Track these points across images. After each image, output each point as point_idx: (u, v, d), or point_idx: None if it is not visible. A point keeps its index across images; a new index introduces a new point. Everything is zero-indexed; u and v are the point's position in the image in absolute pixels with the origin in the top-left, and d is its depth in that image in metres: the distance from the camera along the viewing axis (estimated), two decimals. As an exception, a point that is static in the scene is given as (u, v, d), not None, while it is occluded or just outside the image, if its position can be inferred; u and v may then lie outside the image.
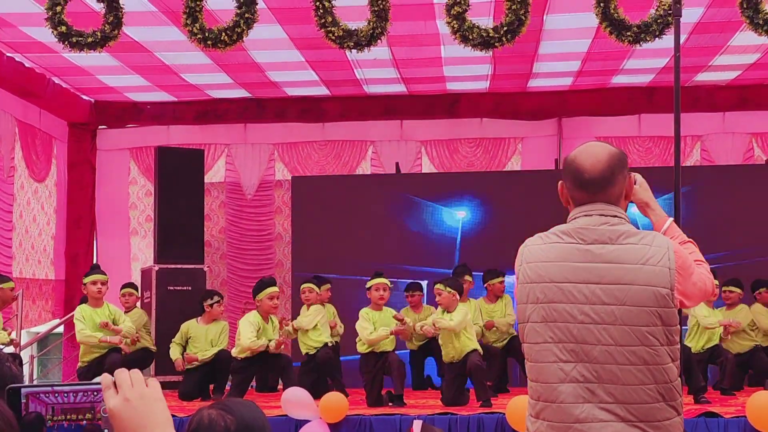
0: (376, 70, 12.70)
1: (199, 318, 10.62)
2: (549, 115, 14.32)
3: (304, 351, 10.66)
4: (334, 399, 8.46)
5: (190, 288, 12.07)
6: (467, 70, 12.77)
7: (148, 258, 13.97)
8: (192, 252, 12.65)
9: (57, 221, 14.31)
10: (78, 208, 14.59)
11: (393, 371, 9.47)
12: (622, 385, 3.17)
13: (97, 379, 1.76)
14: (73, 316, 12.77)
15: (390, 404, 9.27)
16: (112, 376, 1.73)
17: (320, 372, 10.35)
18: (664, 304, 3.20)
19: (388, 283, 10.16)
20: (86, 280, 10.46)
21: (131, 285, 11.52)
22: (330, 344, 10.64)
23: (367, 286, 10.21)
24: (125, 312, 11.11)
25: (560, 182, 3.46)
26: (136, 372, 1.77)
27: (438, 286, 9.73)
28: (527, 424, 3.38)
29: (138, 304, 11.61)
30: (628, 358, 3.17)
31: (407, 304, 11.80)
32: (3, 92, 12.54)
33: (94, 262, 14.42)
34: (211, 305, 10.55)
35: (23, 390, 1.74)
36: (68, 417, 1.78)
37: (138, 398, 1.72)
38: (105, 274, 10.50)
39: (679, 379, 3.27)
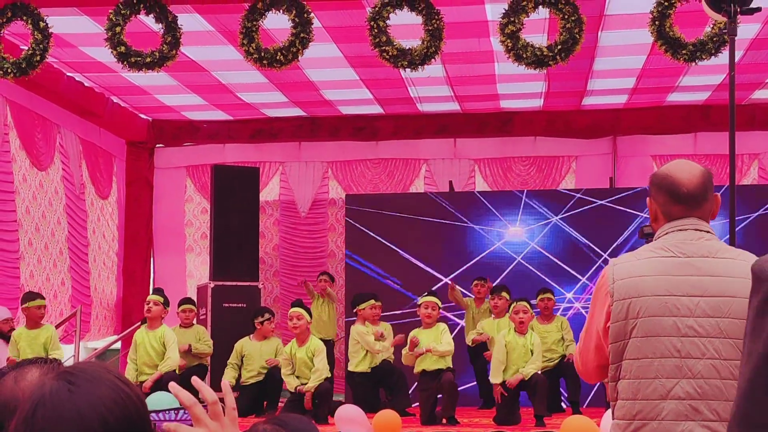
0: (429, 88, 12.74)
1: (251, 335, 10.68)
2: (603, 133, 14.25)
3: (360, 368, 10.62)
4: (387, 416, 8.47)
5: (244, 305, 12.15)
6: (521, 88, 12.76)
7: (203, 275, 14.10)
8: (247, 269, 12.73)
9: (120, 238, 14.57)
10: (135, 226, 14.78)
11: (444, 392, 9.45)
12: (726, 401, 3.11)
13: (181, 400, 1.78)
14: (131, 332, 12.96)
15: (444, 422, 9.26)
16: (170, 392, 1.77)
17: (375, 387, 10.34)
18: None
19: (438, 303, 10.13)
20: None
21: (189, 301, 11.63)
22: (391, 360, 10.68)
23: (417, 303, 10.22)
24: (183, 326, 11.21)
25: (648, 198, 3.42)
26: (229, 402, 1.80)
27: (525, 304, 9.70)
28: None
29: (195, 320, 11.70)
30: (732, 373, 3.12)
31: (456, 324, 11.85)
32: (65, 111, 12.78)
33: (151, 278, 14.64)
34: (262, 322, 10.61)
35: None
36: None
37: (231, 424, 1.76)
38: (158, 295, 10.60)
39: None
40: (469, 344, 11.22)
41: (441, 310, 10.21)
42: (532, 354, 9.57)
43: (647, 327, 3.22)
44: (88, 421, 1.53)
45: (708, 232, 3.30)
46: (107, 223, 14.19)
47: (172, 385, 1.77)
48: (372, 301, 10.78)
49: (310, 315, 10.37)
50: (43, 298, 10.52)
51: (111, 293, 14.26)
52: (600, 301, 3.36)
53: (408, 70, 9.72)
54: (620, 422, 3.27)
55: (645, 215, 11.58)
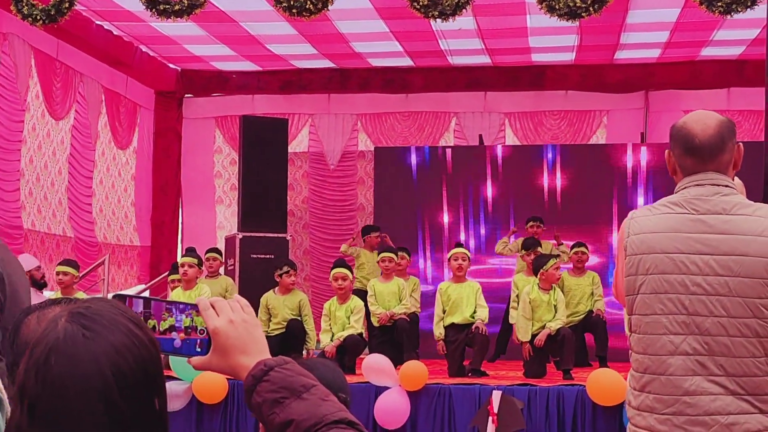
0: (460, 41, 12.61)
1: (275, 289, 10.66)
2: (636, 87, 14.12)
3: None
4: (414, 367, 8.48)
5: (272, 256, 12.15)
6: (553, 41, 12.61)
7: (233, 226, 14.13)
8: (275, 221, 12.73)
9: (137, 188, 14.50)
10: (164, 176, 14.81)
11: (475, 345, 9.43)
12: (733, 357, 3.13)
13: (195, 301, 1.84)
14: (159, 282, 13.01)
15: (470, 375, 9.26)
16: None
17: (392, 341, 10.29)
18: None
19: (468, 254, 10.08)
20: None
21: (215, 250, 11.63)
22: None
23: (448, 257, 10.17)
24: (209, 276, 11.23)
25: (667, 151, 3.41)
26: (238, 298, 1.85)
27: (556, 262, 9.61)
28: (629, 397, 3.36)
29: (221, 270, 11.73)
30: (740, 330, 3.13)
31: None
32: (91, 60, 12.76)
33: (179, 229, 14.67)
34: (281, 275, 10.55)
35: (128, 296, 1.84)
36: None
37: (241, 322, 1.80)
38: (193, 257, 10.58)
39: None
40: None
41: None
42: (556, 310, 9.53)
43: (656, 284, 3.24)
44: (102, 368, 1.51)
45: (726, 186, 3.27)
46: (118, 173, 14.06)
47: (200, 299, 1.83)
48: (384, 254, 10.78)
49: (352, 274, 10.34)
50: (75, 267, 10.49)
51: (130, 242, 14.25)
52: (620, 252, 3.42)
53: (439, 20, 9.62)
54: (635, 374, 3.34)
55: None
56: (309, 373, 1.75)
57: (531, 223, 11.99)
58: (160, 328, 1.82)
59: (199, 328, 1.82)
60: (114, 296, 1.82)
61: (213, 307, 1.81)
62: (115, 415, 1.52)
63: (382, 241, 12.47)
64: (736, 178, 3.43)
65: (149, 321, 1.81)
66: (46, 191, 12.17)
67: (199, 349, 1.82)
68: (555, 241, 11.96)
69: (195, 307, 1.83)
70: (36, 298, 10.57)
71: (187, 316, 1.82)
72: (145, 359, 1.57)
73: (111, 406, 1.51)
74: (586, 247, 11.21)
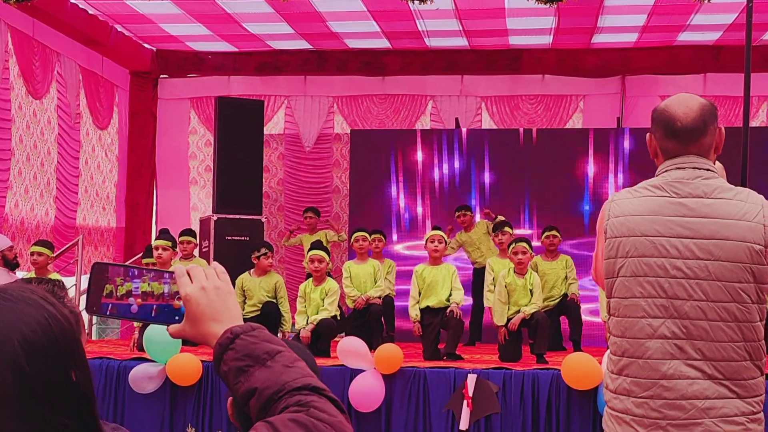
0: (437, 21, 12.56)
1: (251, 270, 10.61)
2: (612, 72, 14.13)
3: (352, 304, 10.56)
4: (389, 350, 8.45)
5: (247, 238, 12.09)
6: (530, 23, 12.57)
7: (207, 208, 14.06)
8: (250, 203, 12.67)
9: (119, 169, 14.46)
10: (139, 157, 14.72)
11: (449, 328, 9.41)
12: (712, 341, 3.12)
13: (171, 267, 1.83)
14: (134, 263, 12.90)
15: (445, 358, 9.24)
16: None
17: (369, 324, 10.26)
18: (757, 260, 3.13)
19: (445, 237, 10.05)
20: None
21: (189, 232, 11.52)
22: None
23: (424, 239, 10.14)
24: (183, 258, 11.14)
25: (648, 134, 3.38)
26: (215, 265, 1.84)
27: (524, 245, 9.52)
28: (606, 380, 3.35)
29: (196, 252, 11.65)
30: (719, 314, 3.12)
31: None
32: (67, 39, 12.64)
33: (154, 210, 14.56)
34: (258, 257, 10.50)
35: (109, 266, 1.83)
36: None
37: (213, 289, 1.78)
38: (167, 240, 10.47)
39: (764, 339, 3.21)
40: None
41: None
42: (531, 294, 9.50)
43: (635, 267, 3.22)
44: (10, 339, 1.49)
45: (708, 170, 3.25)
46: (104, 154, 14.04)
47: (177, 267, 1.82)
48: (357, 233, 10.81)
49: (329, 255, 10.27)
50: (49, 248, 10.39)
51: (108, 224, 14.18)
52: (599, 235, 3.40)
53: (416, 2, 9.56)
54: (613, 357, 3.32)
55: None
56: (277, 339, 1.72)
57: (458, 213, 12.05)
58: (117, 294, 1.80)
59: (176, 294, 1.81)
60: (94, 264, 1.81)
61: (188, 275, 1.79)
62: (25, 386, 1.49)
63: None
64: (717, 161, 3.41)
65: (106, 286, 1.80)
66: (36, 171, 12.09)
67: (176, 318, 1.81)
68: (489, 218, 12.04)
69: (172, 274, 1.81)
70: (8, 278, 10.48)
71: (147, 283, 1.81)
72: (56, 332, 1.53)
73: (21, 376, 1.49)
74: (558, 231, 11.19)
